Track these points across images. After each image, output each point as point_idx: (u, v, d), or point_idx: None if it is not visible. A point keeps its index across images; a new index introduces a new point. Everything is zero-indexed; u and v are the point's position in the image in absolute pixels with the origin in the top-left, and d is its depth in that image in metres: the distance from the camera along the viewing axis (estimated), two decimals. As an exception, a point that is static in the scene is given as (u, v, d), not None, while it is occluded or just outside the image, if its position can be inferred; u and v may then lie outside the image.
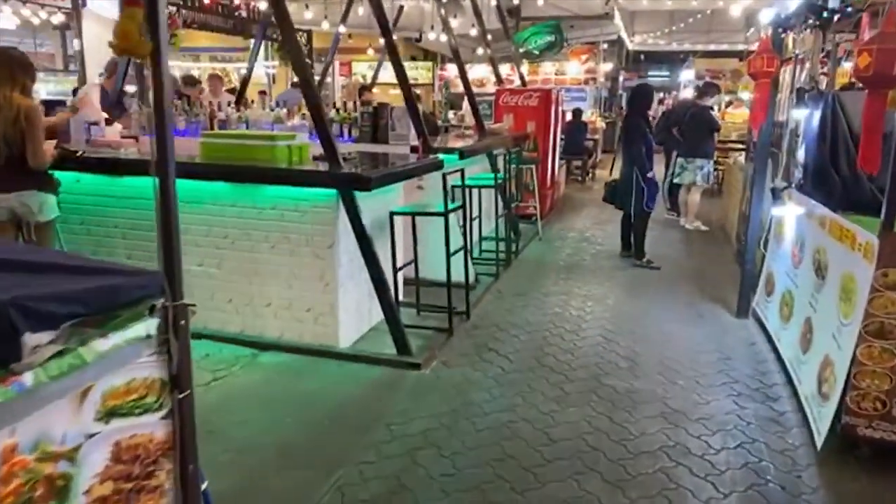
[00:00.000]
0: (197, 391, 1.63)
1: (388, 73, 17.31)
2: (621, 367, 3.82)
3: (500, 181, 6.06)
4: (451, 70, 16.04)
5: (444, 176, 4.21)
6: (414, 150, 5.15)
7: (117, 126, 4.92)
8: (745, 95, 16.39)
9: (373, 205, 4.20)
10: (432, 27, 12.39)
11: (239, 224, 3.92)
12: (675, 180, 8.13)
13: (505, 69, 15.13)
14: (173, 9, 11.14)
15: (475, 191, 5.72)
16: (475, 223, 5.86)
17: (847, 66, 6.22)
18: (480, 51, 9.44)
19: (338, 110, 5.56)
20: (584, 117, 13.07)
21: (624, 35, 20.24)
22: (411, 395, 3.44)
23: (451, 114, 10.61)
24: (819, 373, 3.11)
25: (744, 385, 3.61)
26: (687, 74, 19.06)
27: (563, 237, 7.39)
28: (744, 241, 5.86)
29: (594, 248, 6.89)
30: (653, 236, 6.99)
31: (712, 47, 20.61)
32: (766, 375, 3.74)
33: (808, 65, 4.18)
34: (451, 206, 4.30)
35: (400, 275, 4.67)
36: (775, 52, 4.22)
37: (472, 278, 5.30)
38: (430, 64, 15.86)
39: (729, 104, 17.65)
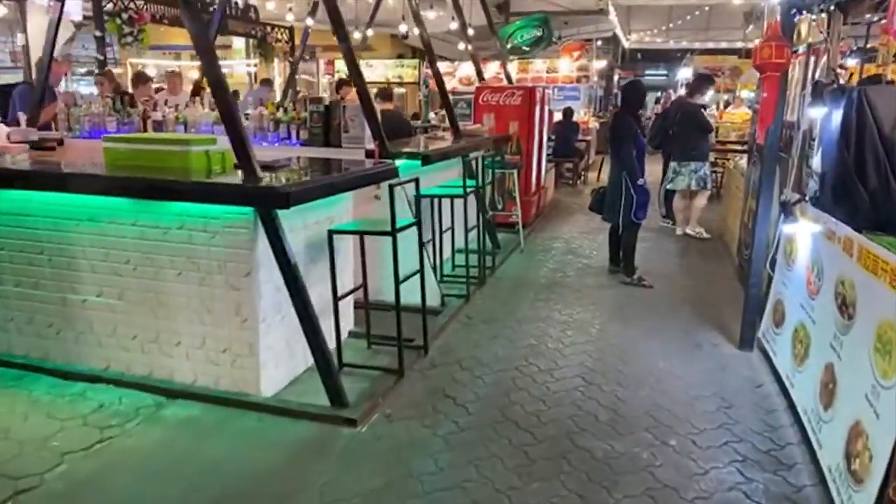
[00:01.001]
0: (73, 458, 1.05)
1: (371, 72, 16.66)
2: (601, 420, 3.15)
3: (474, 189, 5.41)
4: (441, 68, 15.35)
5: (390, 187, 3.54)
6: (370, 154, 4.49)
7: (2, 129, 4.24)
8: (746, 94, 15.76)
9: (311, 221, 3.54)
10: (403, 17, 11.69)
11: (141, 247, 3.25)
12: (669, 186, 7.52)
13: (495, 67, 14.52)
14: (141, 3, 10.52)
15: (446, 201, 5.07)
16: (447, 235, 5.20)
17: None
18: (471, 47, 8.80)
19: (285, 109, 4.89)
20: (577, 117, 12.43)
21: (620, 32, 19.63)
22: (340, 462, 2.77)
23: (431, 114, 9.95)
24: (847, 442, 2.45)
25: (750, 446, 2.94)
26: (684, 73, 18.44)
27: (547, 249, 6.73)
28: (747, 256, 5.21)
29: (580, 261, 6.23)
30: (645, 247, 6.34)
31: (711, 45, 20.06)
32: (776, 432, 3.08)
33: (826, 54, 3.51)
34: (403, 222, 3.64)
35: (349, 300, 4.03)
36: (786, 39, 3.56)
37: (437, 301, 4.65)
38: (416, 62, 15.18)
39: (728, 104, 17.03)
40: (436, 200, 4.99)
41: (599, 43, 17.41)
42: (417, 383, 3.53)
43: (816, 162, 3.39)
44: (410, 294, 3.82)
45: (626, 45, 22.09)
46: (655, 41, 22.31)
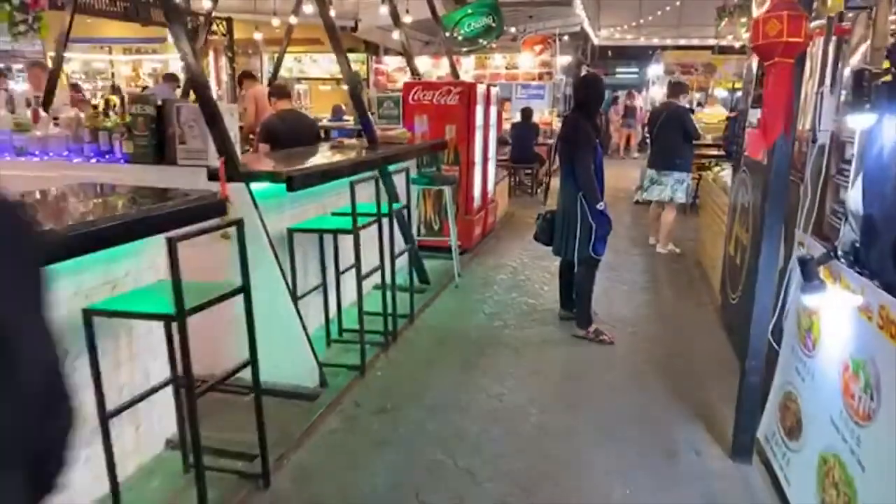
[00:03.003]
0: None
1: (315, 67, 15.22)
2: None
3: (393, 212, 4.12)
4: (391, 62, 14.06)
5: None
6: (214, 176, 3.17)
7: None
8: (720, 93, 14.76)
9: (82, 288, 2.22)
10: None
11: None
12: (644, 195, 6.66)
13: (467, 63, 13.23)
14: (36, -15, 9.02)
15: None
16: (351, 276, 3.91)
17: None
18: (398, 32, 7.50)
19: (105, 112, 3.54)
20: (538, 117, 11.22)
21: (589, 28, 18.58)
22: None
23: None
24: None
25: None
26: (654, 70, 17.43)
27: (488, 282, 5.46)
28: (734, 300, 4.00)
29: (526, 301, 4.96)
30: (605, 277, 5.11)
31: (682, 42, 19.24)
32: None
33: (871, 28, 2.27)
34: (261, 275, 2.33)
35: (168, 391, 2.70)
36: (803, 7, 2.32)
37: (315, 380, 3.35)
38: (363, 56, 13.81)
39: (700, 104, 16.01)
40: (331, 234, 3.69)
41: (566, 38, 16.26)
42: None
43: (855, 198, 2.16)
44: (279, 368, 2.56)
45: (596, 41, 21.09)
46: (626, 38, 21.39)
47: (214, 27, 13.33)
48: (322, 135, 7.63)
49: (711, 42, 17.78)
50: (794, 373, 2.60)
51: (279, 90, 5.74)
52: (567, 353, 3.99)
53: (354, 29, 14.21)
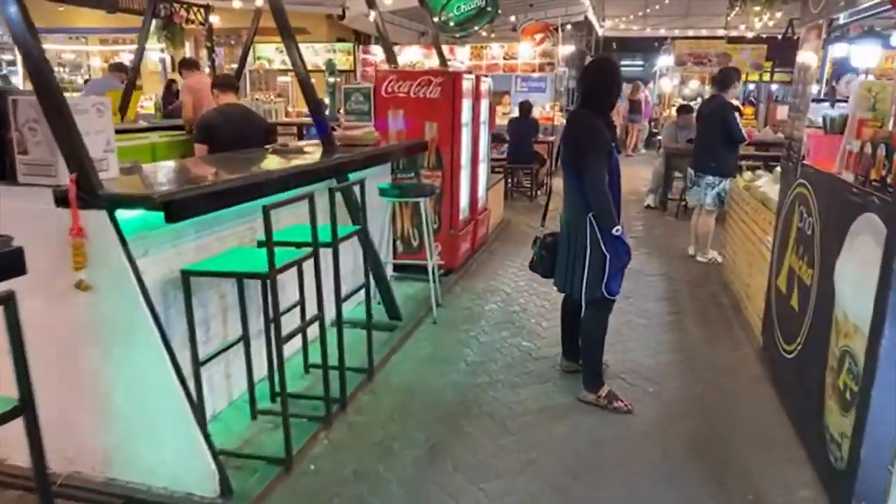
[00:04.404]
0: None
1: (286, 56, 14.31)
2: None
3: (350, 234, 3.14)
4: (379, 53, 12.99)
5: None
6: (61, 199, 2.19)
7: None
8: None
9: None
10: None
11: None
12: (687, 197, 6.48)
13: (462, 53, 12.18)
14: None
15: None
16: (286, 318, 2.93)
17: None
18: (374, 13, 6.52)
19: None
20: (538, 112, 10.20)
21: (593, 17, 17.59)
22: None
23: (341, 112, 7.62)
24: None
25: None
26: (665, 61, 16.39)
27: (474, 315, 4.46)
28: (791, 354, 3.01)
29: (520, 345, 3.97)
30: (618, 307, 4.14)
31: (690, 33, 18.34)
32: None
33: None
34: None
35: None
36: None
37: (213, 489, 2.36)
38: (349, 46, 12.76)
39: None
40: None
41: (569, 27, 15.23)
42: None
43: None
44: (166, 470, 1.69)
45: (601, 32, 20.07)
46: (631, 28, 20.40)
47: (192, 16, 12.33)
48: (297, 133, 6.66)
49: (720, 33, 16.80)
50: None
51: (223, 81, 4.75)
52: (572, 429, 3.00)
53: (342, 17, 13.19)
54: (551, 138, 9.71)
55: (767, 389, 3.40)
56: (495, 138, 8.69)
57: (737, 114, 5.72)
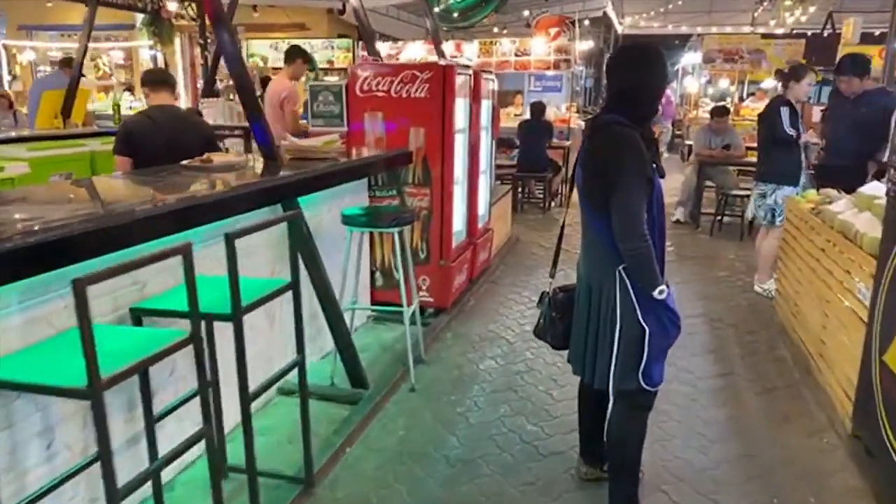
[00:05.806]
0: None
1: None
2: None
3: (232, 312, 2.17)
4: (381, 49, 12.00)
5: None
6: None
7: None
8: (768, 83, 12.54)
9: None
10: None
11: None
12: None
13: (470, 50, 11.14)
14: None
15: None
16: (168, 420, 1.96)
17: None
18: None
19: None
20: (552, 114, 9.16)
21: (612, 13, 16.57)
22: None
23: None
24: None
25: None
26: (691, 58, 15.27)
27: (464, 379, 3.46)
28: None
29: (523, 427, 2.95)
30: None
31: (714, 30, 17.33)
32: None
33: None
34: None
35: None
36: None
37: None
38: (349, 42, 11.79)
39: (751, 94, 13.84)
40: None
41: (587, 23, 14.19)
42: None
43: None
44: None
45: (620, 29, 19.05)
46: (652, 25, 19.36)
47: (182, 11, 11.51)
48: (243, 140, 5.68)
49: (746, 30, 15.70)
50: None
51: (155, 77, 3.78)
52: None
53: (342, 11, 12.27)
54: (567, 143, 8.67)
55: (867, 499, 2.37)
56: (503, 143, 7.69)
57: (788, 109, 4.69)
